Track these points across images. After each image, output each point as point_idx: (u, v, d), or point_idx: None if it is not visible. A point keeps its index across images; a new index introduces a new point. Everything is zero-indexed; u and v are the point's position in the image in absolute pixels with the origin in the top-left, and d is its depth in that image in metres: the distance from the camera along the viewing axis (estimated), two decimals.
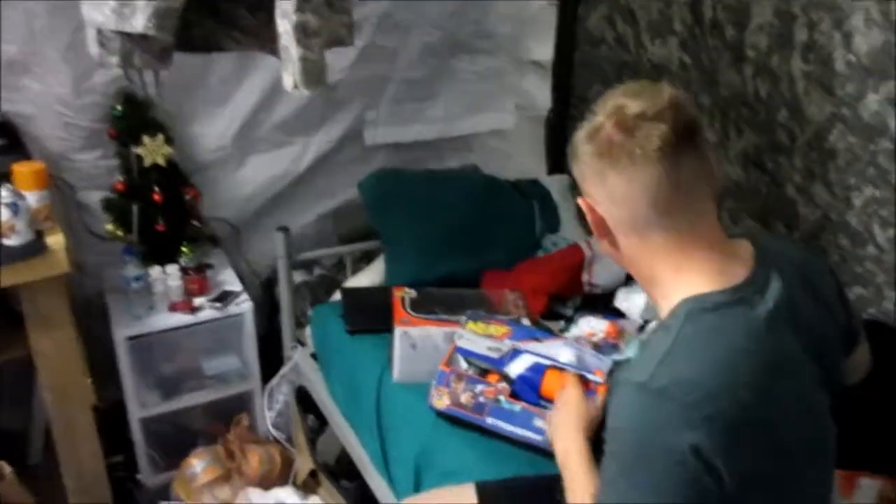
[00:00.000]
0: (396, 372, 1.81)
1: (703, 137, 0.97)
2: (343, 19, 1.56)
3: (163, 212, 2.24)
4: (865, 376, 1.29)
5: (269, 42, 1.63)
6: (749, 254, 1.00)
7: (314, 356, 2.25)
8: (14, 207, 1.72)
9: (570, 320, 2.03)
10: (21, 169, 1.87)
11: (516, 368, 1.62)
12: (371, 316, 2.04)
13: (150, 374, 2.30)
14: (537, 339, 1.68)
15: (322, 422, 2.30)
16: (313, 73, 1.47)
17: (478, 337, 1.70)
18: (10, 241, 1.74)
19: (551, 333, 1.84)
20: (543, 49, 2.70)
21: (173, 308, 2.23)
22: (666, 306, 0.98)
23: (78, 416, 1.98)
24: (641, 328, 1.92)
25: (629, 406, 0.91)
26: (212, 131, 2.39)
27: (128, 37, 1.57)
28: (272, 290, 2.58)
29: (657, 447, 0.87)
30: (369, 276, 2.36)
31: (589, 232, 2.50)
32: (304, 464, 2.22)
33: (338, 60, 2.40)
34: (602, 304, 2.08)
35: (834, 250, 1.89)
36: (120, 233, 2.24)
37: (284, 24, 1.49)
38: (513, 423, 1.56)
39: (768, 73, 1.92)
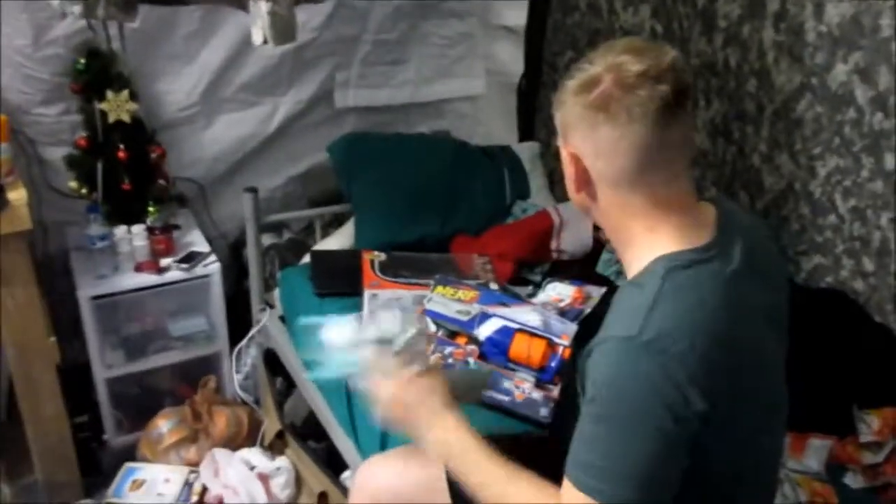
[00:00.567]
0: None
1: (692, 103, 1.00)
2: None
3: (128, 170, 2.20)
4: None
5: None
6: (713, 216, 1.03)
7: (282, 319, 2.25)
8: None
9: (537, 286, 2.05)
10: None
11: (485, 331, 1.63)
12: (340, 279, 2.03)
13: (116, 334, 2.28)
14: (504, 305, 1.70)
15: (290, 384, 2.30)
16: (282, 27, 1.44)
17: (447, 300, 1.71)
18: None
19: (519, 299, 1.86)
20: (515, 14, 2.68)
21: (139, 268, 2.20)
22: (637, 265, 1.00)
23: (41, 375, 1.96)
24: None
25: (617, 362, 0.91)
26: (178, 88, 2.35)
27: None
28: (240, 253, 2.56)
29: (651, 398, 0.89)
30: (339, 240, 2.36)
31: (558, 198, 2.53)
32: (271, 425, 2.23)
33: (309, 20, 2.37)
34: (577, 269, 2.09)
35: (795, 219, 1.93)
36: (84, 191, 2.20)
37: None
38: None
39: (739, 43, 1.94)
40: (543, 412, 1.54)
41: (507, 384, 1.56)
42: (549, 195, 2.56)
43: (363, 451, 1.75)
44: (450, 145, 2.56)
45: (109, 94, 2.12)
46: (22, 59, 2.06)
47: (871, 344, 1.72)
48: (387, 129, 2.70)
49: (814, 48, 1.74)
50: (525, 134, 2.83)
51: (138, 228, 2.22)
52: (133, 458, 2.21)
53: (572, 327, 1.61)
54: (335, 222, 2.51)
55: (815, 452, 1.55)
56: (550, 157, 2.61)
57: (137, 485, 2.08)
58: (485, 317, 1.65)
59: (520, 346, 1.58)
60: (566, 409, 1.13)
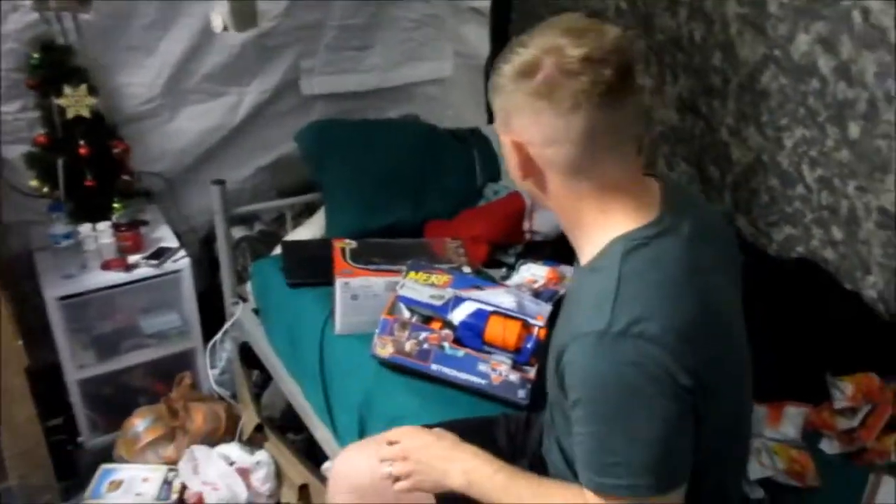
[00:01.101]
0: (338, 324, 1.80)
1: (637, 77, 0.97)
2: None
3: (90, 166, 2.16)
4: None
5: None
6: (657, 189, 1.03)
7: (256, 311, 2.22)
8: None
9: (511, 268, 2.04)
10: None
11: (459, 315, 1.62)
12: (311, 268, 2.01)
13: (86, 334, 2.24)
14: (478, 287, 1.69)
15: (266, 377, 2.28)
16: (243, 13, 1.42)
17: (420, 286, 1.70)
18: None
19: (493, 281, 1.85)
20: None
21: (107, 266, 2.16)
22: (590, 248, 0.99)
23: (10, 379, 1.91)
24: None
25: (595, 359, 0.89)
26: (139, 81, 2.30)
27: None
28: (212, 246, 2.52)
29: (639, 385, 0.88)
30: (311, 229, 2.33)
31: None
32: (249, 419, 2.21)
33: (271, 6, 2.33)
34: (551, 250, 2.08)
35: (764, 191, 1.94)
36: (45, 189, 2.15)
37: None
38: (457, 368, 1.58)
39: (703, 16, 1.93)
40: (521, 394, 1.54)
41: (483, 367, 1.56)
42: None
43: (341, 439, 1.74)
44: (419, 129, 2.54)
45: (67, 88, 2.07)
46: None
47: (842, 311, 1.74)
48: (355, 115, 2.67)
49: (776, 19, 1.75)
50: (494, 116, 2.81)
51: (104, 225, 2.18)
52: (110, 459, 2.17)
53: (547, 308, 1.61)
54: (306, 212, 2.48)
55: (791, 420, 1.56)
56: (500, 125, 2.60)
57: (115, 485, 2.06)
58: (458, 301, 1.64)
59: (495, 329, 1.57)
60: (544, 390, 1.12)
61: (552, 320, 1.60)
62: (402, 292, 1.68)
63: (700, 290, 0.95)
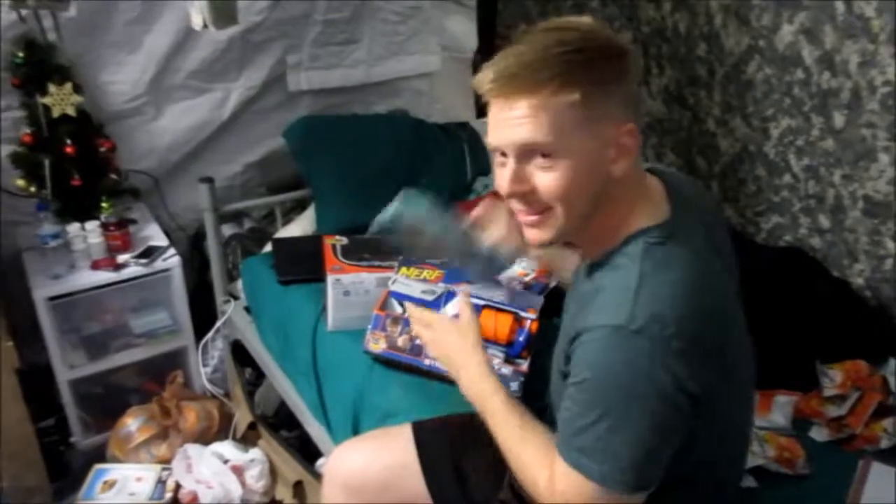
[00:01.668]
0: (331, 320, 1.80)
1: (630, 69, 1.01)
2: None
3: (77, 165, 2.14)
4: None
5: None
6: (661, 187, 1.04)
7: (247, 309, 2.22)
8: None
9: None
10: None
11: (452, 309, 1.62)
12: (302, 265, 2.01)
13: (76, 334, 2.23)
14: (469, 282, 1.69)
15: (259, 374, 2.28)
16: (221, 10, 1.41)
17: (412, 281, 1.70)
18: None
19: None
20: None
21: (96, 266, 2.15)
22: (597, 248, 1.01)
23: (2, 380, 1.90)
24: None
25: (610, 350, 0.91)
26: (124, 78, 2.28)
27: None
28: (202, 244, 2.51)
29: (645, 385, 0.89)
30: (301, 226, 2.33)
31: None
32: (243, 417, 2.21)
33: (251, 3, 2.31)
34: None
35: (751, 181, 1.95)
36: (32, 188, 2.14)
37: None
38: None
39: (686, 8, 1.94)
40: (514, 387, 1.54)
41: None
42: None
43: (335, 435, 1.74)
44: (408, 124, 2.53)
45: (52, 87, 2.05)
46: None
47: (830, 299, 1.76)
48: (343, 110, 2.66)
49: (760, 10, 1.76)
50: (483, 109, 2.80)
51: (92, 225, 2.16)
52: (103, 459, 2.17)
53: (538, 300, 1.62)
54: (297, 208, 2.47)
55: (780, 408, 1.58)
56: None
57: (109, 485, 2.05)
58: (450, 295, 1.64)
59: (486, 323, 1.58)
60: (536, 383, 1.13)
61: (543, 313, 1.61)
62: (394, 288, 1.68)
63: (712, 294, 0.96)
